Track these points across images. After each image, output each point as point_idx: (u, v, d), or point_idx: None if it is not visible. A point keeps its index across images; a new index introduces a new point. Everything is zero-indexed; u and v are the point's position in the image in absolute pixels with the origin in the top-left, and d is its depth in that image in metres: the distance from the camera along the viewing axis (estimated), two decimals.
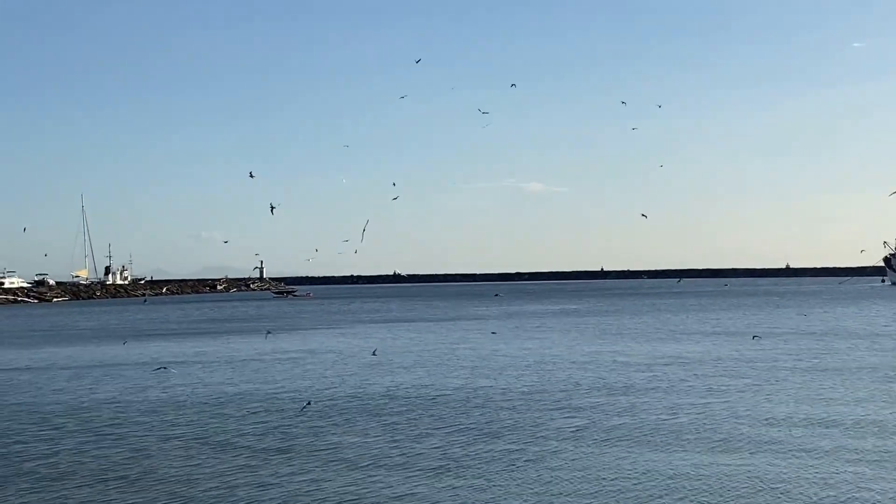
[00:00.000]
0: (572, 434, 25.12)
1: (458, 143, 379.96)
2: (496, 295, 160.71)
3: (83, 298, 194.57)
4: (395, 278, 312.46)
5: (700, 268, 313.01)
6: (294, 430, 26.44)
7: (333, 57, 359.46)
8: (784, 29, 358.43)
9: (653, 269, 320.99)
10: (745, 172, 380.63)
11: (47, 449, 24.36)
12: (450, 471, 21.00)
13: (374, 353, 48.43)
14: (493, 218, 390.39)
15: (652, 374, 38.35)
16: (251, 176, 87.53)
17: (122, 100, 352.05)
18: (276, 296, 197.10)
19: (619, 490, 19.08)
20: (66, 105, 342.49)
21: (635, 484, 19.52)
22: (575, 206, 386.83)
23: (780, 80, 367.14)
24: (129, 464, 22.26)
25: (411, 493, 19.10)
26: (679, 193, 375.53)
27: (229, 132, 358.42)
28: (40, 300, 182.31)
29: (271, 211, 73.24)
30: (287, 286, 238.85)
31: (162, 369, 42.32)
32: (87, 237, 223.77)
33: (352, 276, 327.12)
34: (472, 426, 26.60)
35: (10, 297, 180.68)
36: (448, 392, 33.79)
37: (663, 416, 27.66)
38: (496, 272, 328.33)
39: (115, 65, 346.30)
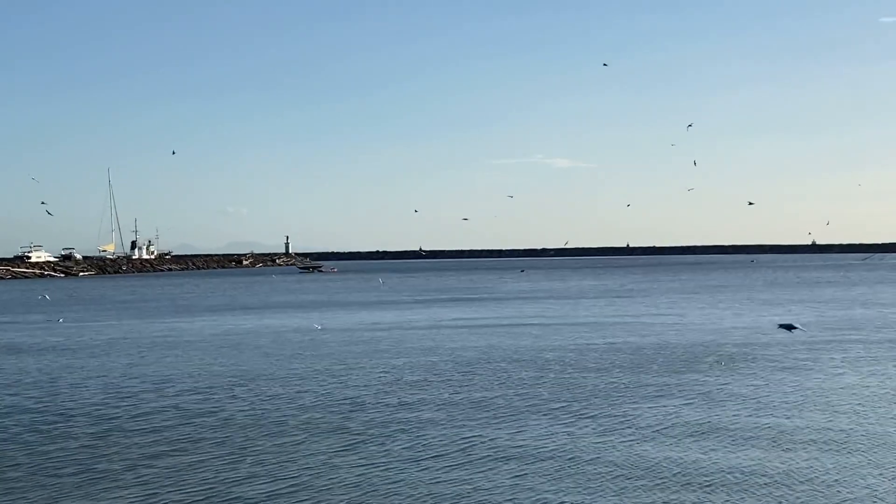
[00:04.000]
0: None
1: (485, 118, 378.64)
2: (521, 271, 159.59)
3: (109, 273, 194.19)
4: (420, 254, 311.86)
5: (725, 244, 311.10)
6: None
7: (356, 29, 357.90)
8: (811, 4, 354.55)
9: (678, 244, 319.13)
10: (772, 148, 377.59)
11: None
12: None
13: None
14: (519, 193, 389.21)
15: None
16: (173, 153, 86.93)
17: (149, 73, 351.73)
18: (301, 271, 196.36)
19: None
20: (94, 78, 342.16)
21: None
22: (601, 182, 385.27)
23: (807, 55, 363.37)
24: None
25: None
26: (706, 169, 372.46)
27: (256, 105, 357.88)
28: (67, 274, 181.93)
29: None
30: (313, 261, 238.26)
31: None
32: (113, 212, 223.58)
33: (377, 251, 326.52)
34: None
35: (38, 270, 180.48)
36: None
37: None
38: (522, 248, 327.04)
39: (141, 38, 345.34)
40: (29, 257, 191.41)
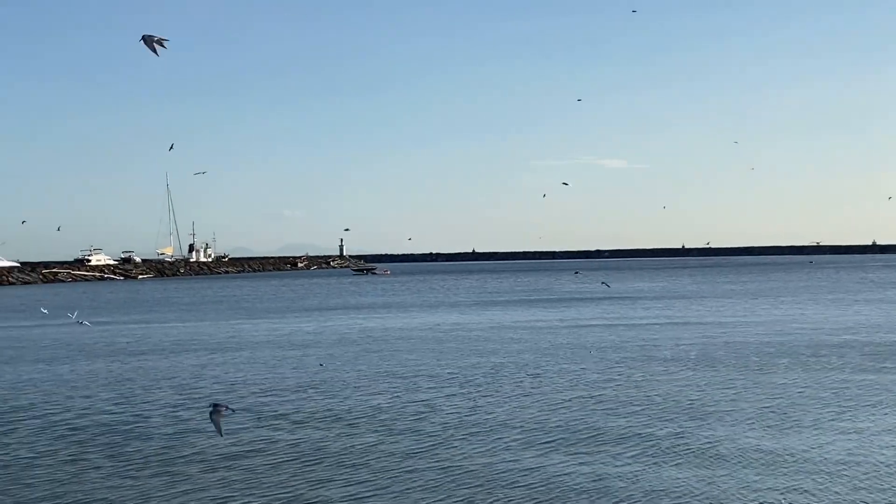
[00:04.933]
0: None
1: (534, 119, 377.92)
2: (576, 273, 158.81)
3: (167, 275, 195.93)
4: (473, 255, 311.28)
5: (783, 245, 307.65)
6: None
7: (407, 30, 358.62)
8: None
9: (731, 245, 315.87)
10: (826, 147, 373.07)
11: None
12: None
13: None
14: (571, 195, 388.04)
15: None
16: (171, 148, 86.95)
17: (207, 78, 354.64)
18: (355, 273, 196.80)
19: None
20: (153, 83, 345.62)
21: None
22: (655, 183, 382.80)
23: (866, 50, 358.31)
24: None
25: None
26: (758, 171, 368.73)
27: (311, 109, 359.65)
28: (126, 277, 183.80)
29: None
30: (366, 263, 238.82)
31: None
32: (172, 215, 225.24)
33: (431, 253, 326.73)
34: None
35: (98, 273, 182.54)
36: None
37: None
38: (575, 249, 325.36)
39: (199, 43, 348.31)
40: (89, 260, 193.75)
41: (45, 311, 62.25)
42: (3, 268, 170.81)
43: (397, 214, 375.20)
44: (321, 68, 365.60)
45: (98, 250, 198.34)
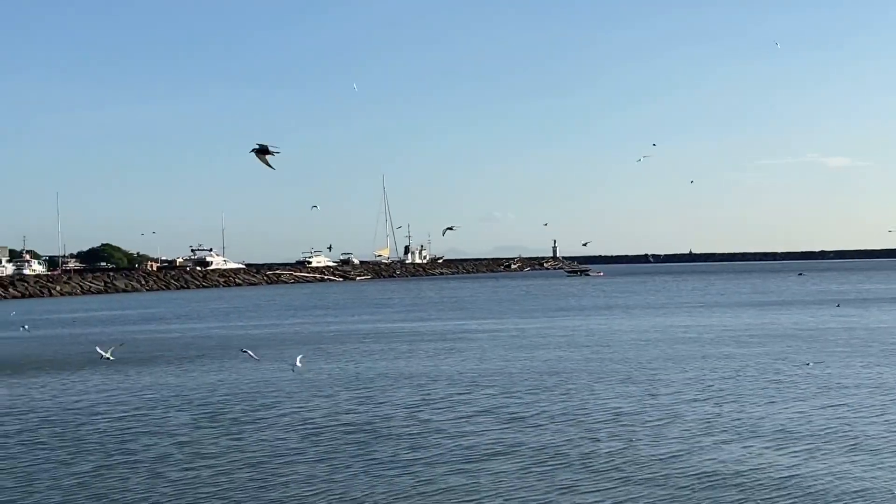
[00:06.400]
0: None
1: (756, 116, 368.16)
2: (800, 274, 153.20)
3: (384, 277, 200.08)
4: (690, 257, 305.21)
5: None
6: None
7: (621, 36, 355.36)
8: None
9: None
10: None
11: None
12: None
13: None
14: (793, 194, 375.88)
15: None
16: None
17: (421, 83, 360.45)
18: (568, 274, 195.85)
19: None
20: (368, 90, 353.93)
21: None
22: (882, 181, 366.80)
23: None
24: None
25: None
26: None
27: (522, 113, 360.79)
28: (345, 278, 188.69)
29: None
30: (580, 265, 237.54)
31: None
32: (388, 217, 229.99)
33: (645, 254, 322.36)
34: None
35: (318, 275, 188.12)
36: None
37: None
38: (798, 250, 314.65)
39: (412, 48, 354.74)
40: (310, 262, 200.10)
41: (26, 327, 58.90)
42: (230, 270, 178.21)
43: (610, 216, 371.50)
44: (530, 70, 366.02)
45: (318, 252, 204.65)
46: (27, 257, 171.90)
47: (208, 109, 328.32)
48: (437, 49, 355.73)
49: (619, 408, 25.13)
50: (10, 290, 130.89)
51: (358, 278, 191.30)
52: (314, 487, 17.45)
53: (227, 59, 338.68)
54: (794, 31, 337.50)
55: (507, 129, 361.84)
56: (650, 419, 23.39)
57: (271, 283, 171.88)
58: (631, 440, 20.88)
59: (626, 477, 17.73)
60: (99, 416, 25.45)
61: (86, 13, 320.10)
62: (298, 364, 31.09)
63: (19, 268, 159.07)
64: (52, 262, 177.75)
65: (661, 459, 18.95)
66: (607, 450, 20.04)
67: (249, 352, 33.90)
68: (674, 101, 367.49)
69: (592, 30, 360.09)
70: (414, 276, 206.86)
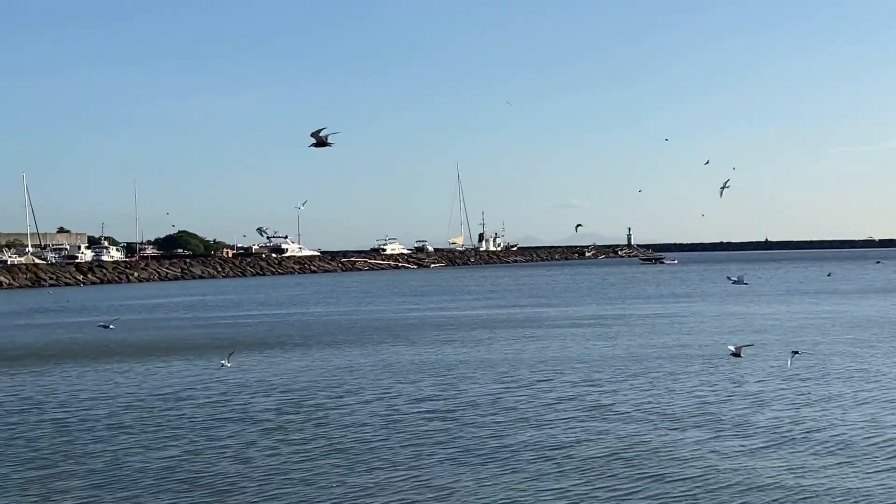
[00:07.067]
0: None
1: (834, 103, 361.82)
2: (878, 262, 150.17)
3: (458, 264, 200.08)
4: (766, 245, 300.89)
5: None
6: None
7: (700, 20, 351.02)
8: None
9: None
10: None
11: None
12: None
13: None
14: (871, 182, 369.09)
15: None
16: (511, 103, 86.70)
17: (496, 71, 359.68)
18: (643, 262, 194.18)
19: None
20: (443, 77, 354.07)
21: None
22: None
23: None
24: None
25: None
26: None
27: (595, 100, 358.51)
28: (419, 266, 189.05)
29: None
30: (654, 253, 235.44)
31: None
32: (462, 205, 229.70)
33: (720, 242, 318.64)
34: None
35: (392, 262, 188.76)
36: None
37: None
38: (877, 238, 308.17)
39: (481, 39, 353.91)
40: (384, 249, 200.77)
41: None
42: (305, 257, 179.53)
43: (684, 203, 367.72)
44: (606, 56, 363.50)
45: (393, 240, 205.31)
46: (105, 244, 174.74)
47: (285, 98, 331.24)
48: (512, 36, 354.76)
49: (704, 396, 24.80)
50: (89, 276, 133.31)
51: (432, 266, 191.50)
52: (399, 474, 17.45)
53: (304, 48, 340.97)
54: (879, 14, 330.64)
55: (578, 116, 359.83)
56: (735, 409, 23.03)
57: (346, 270, 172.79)
58: (717, 430, 20.59)
59: (711, 466, 17.47)
60: (183, 402, 25.73)
61: (166, 4, 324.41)
62: (227, 363, 30.52)
63: (98, 254, 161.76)
64: (129, 249, 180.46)
65: (748, 452, 18.62)
66: (694, 439, 19.79)
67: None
68: (749, 87, 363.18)
69: (674, 11, 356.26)
70: (488, 263, 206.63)
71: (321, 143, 26.02)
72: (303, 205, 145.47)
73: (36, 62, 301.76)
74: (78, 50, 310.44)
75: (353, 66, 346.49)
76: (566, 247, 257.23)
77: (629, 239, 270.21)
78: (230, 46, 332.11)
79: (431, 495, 16.16)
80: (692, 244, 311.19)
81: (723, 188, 48.17)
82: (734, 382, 26.98)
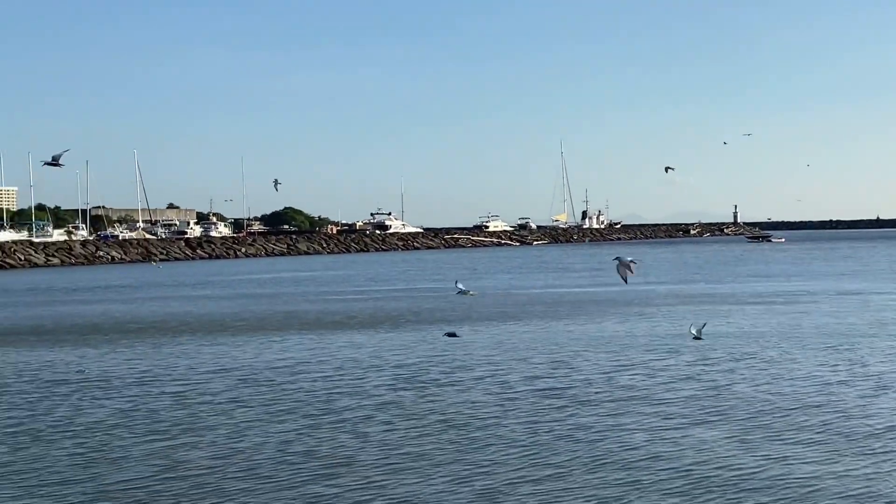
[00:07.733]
0: None
1: None
2: None
3: (561, 242, 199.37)
4: (878, 223, 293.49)
5: None
6: None
7: None
8: None
9: None
10: None
11: None
12: None
13: None
14: None
15: None
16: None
17: (600, 49, 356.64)
18: (749, 240, 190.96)
19: None
20: (548, 55, 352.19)
21: None
22: None
23: None
24: None
25: None
26: None
27: (691, 70, 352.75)
28: (522, 243, 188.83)
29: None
30: (762, 231, 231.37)
31: None
32: (566, 182, 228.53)
33: (830, 220, 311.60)
34: None
35: (495, 239, 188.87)
36: None
37: None
38: None
39: (589, 20, 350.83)
40: (487, 226, 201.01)
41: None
42: (409, 233, 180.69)
43: (791, 179, 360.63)
44: (704, 30, 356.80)
45: (496, 217, 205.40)
46: (214, 220, 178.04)
47: (389, 77, 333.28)
48: (614, 16, 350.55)
49: (824, 377, 24.24)
50: (199, 251, 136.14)
51: (535, 243, 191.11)
52: (516, 451, 17.35)
53: (408, 27, 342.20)
54: None
55: (684, 92, 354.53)
56: (859, 389, 22.46)
57: (449, 247, 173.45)
58: (842, 411, 20.09)
59: (835, 450, 17.02)
60: (299, 376, 26.00)
61: None
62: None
63: (206, 230, 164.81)
64: (237, 225, 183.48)
65: (874, 434, 18.11)
66: (821, 419, 19.34)
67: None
68: (853, 61, 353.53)
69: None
70: (592, 241, 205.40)
71: (54, 163, 30.53)
72: (277, 184, 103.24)
73: (146, 43, 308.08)
74: (188, 31, 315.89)
75: (457, 45, 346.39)
76: (670, 224, 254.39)
77: (735, 217, 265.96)
78: (340, 25, 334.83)
79: (549, 472, 16.04)
80: (800, 222, 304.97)
81: (667, 169, 48.20)
82: (858, 364, 26.29)
